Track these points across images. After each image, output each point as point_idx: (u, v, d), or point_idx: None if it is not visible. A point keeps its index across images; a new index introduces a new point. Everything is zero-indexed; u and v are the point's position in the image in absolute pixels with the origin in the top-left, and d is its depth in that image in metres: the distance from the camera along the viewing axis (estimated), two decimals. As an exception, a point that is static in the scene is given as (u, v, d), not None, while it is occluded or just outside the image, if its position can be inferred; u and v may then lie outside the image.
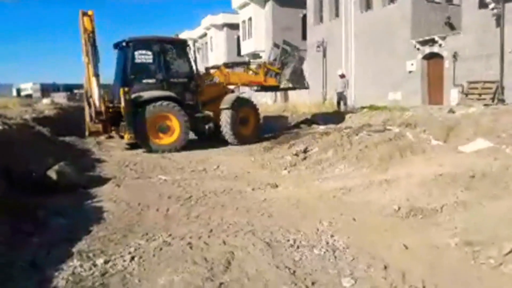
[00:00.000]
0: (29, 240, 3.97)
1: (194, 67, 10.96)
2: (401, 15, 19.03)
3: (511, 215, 4.05)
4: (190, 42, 11.54)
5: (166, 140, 10.07)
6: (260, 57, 30.60)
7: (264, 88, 13.13)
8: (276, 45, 13.01)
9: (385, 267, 3.26)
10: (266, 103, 24.06)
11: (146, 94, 9.97)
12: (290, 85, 12.54)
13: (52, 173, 5.90)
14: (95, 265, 3.39)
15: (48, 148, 8.66)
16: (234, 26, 36.57)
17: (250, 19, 32.23)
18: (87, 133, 10.56)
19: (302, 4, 27.44)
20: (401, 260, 3.41)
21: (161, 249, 3.72)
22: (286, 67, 12.18)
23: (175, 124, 10.05)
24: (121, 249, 3.72)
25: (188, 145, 10.38)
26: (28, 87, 61.26)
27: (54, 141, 10.09)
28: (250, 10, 31.89)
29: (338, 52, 23.15)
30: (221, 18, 38.40)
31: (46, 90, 49.04)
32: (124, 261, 3.47)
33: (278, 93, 25.92)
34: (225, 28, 38.25)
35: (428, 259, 3.42)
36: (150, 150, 9.84)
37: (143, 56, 10.31)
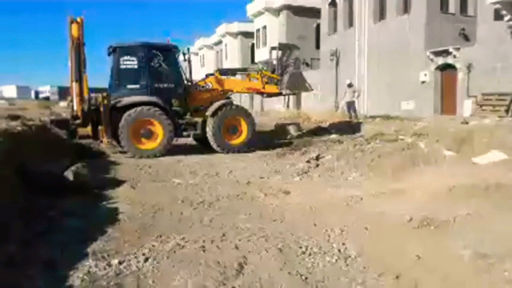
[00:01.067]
0: (43, 239, 4.06)
1: (182, 73, 10.98)
2: (414, 25, 19.01)
3: (525, 228, 4.03)
4: (182, 49, 11.36)
5: (149, 145, 10.12)
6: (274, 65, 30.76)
7: (269, 95, 12.92)
8: (273, 48, 12.71)
9: (397, 277, 3.26)
10: (279, 109, 24.15)
11: (126, 100, 10.09)
12: (289, 92, 12.43)
13: (69, 174, 6.01)
14: (109, 265, 3.46)
15: (65, 150, 8.82)
16: (248, 34, 36.90)
17: (264, 27, 32.46)
18: (77, 137, 10.30)
19: (317, 14, 27.59)
20: (413, 270, 3.41)
21: (174, 251, 3.77)
22: (285, 73, 11.91)
23: (158, 129, 10.08)
24: (135, 250, 3.78)
25: (199, 150, 10.50)
26: (46, 90, 62.28)
27: (71, 143, 10.26)
28: (265, 19, 32.13)
29: (351, 62, 23.17)
30: (236, 26, 38.80)
31: (64, 92, 49.79)
32: (138, 262, 3.54)
33: (291, 100, 26.02)
34: (239, 36, 38.63)
35: (440, 270, 3.41)
36: (132, 155, 9.92)
37: (128, 62, 10.38)
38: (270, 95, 12.91)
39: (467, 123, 10.96)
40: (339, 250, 3.81)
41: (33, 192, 5.43)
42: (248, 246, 3.89)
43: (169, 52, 10.83)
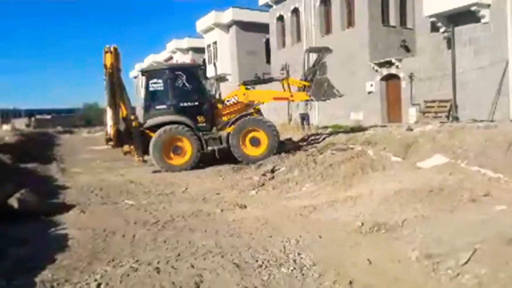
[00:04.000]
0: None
1: (205, 90, 11.46)
2: (359, 38, 19.86)
3: (466, 226, 4.29)
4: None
5: (178, 160, 10.70)
6: (226, 80, 30.96)
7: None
8: (308, 50, 12.87)
9: (351, 282, 3.36)
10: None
11: (154, 120, 10.83)
12: (313, 99, 12.47)
13: (13, 201, 5.71)
14: (59, 294, 3.31)
15: (9, 176, 8.37)
16: (199, 50, 36.93)
17: (215, 43, 32.66)
18: (123, 153, 11.25)
19: (265, 29, 28.13)
20: (365, 275, 3.53)
21: (128, 275, 3.67)
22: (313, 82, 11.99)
23: (187, 146, 10.68)
24: (87, 276, 3.65)
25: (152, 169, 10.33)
26: (-14, 114, 58.92)
27: (15, 168, 9.76)
28: (215, 34, 32.36)
29: (301, 75, 23.74)
30: (186, 42, 38.77)
31: (7, 115, 47.28)
32: (90, 288, 3.41)
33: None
34: (190, 52, 38.58)
35: (391, 273, 3.55)
36: (165, 170, 10.47)
37: (156, 85, 11.09)
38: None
39: (411, 130, 11.51)
40: (294, 261, 3.87)
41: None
42: (204, 264, 3.85)
43: (191, 72, 11.42)
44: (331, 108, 21.17)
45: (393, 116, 18.65)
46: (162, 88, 11.05)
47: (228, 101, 11.58)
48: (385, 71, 18.81)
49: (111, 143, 10.73)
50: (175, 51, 39.93)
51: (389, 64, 18.44)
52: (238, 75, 29.14)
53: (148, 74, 11.30)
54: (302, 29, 24.02)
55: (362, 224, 4.80)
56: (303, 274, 3.56)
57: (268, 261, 3.89)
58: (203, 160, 10.98)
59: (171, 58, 42.12)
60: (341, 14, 21.20)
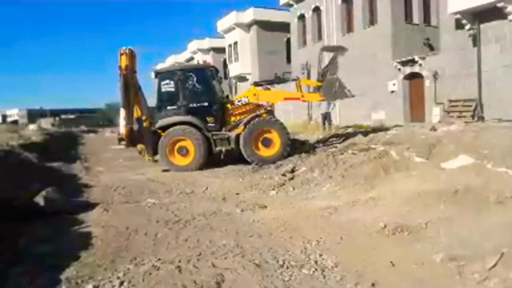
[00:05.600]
0: (13, 269, 3.92)
1: (215, 91, 11.46)
2: (381, 37, 19.59)
3: (493, 229, 4.17)
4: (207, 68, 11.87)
5: (184, 161, 10.83)
6: (247, 80, 31.01)
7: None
8: (323, 49, 12.82)
9: (373, 285, 3.31)
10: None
11: (164, 121, 11.03)
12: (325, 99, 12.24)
13: (39, 199, 5.86)
14: (83, 291, 3.38)
15: (35, 174, 8.59)
16: (220, 50, 37.14)
17: (236, 43, 32.78)
18: (138, 153, 11.71)
19: (286, 28, 28.07)
20: (388, 277, 3.47)
21: (150, 273, 3.71)
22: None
23: (190, 146, 10.78)
24: (110, 274, 3.71)
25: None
26: (14, 113, 60.65)
27: (41, 167, 10.01)
28: (236, 34, 32.49)
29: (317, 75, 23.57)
30: (207, 42, 39.03)
31: (33, 115, 48.57)
32: (113, 286, 3.47)
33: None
34: (211, 52, 38.83)
35: (414, 275, 3.49)
36: (173, 170, 10.67)
37: (167, 85, 11.28)
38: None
39: (435, 129, 11.28)
40: (316, 262, 3.84)
41: (1, 219, 5.25)
42: (225, 264, 3.86)
43: (202, 73, 11.52)
44: (353, 108, 20.97)
45: (416, 116, 18.33)
46: (173, 89, 11.25)
47: (239, 101, 11.50)
48: (408, 70, 18.50)
49: (123, 142, 11.06)
50: (196, 51, 40.27)
51: (412, 62, 18.13)
52: (258, 75, 29.18)
53: (160, 75, 11.50)
54: (323, 28, 23.89)
55: (385, 225, 4.71)
56: (324, 276, 3.53)
57: (289, 261, 3.87)
58: (221, 160, 11.00)
59: (192, 58, 42.48)
60: (362, 12, 20.96)
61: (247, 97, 11.52)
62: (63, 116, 40.62)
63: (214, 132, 11.06)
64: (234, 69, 33.07)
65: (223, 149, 11.07)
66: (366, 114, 20.07)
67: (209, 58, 38.92)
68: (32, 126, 26.64)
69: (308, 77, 25.04)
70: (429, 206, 5.19)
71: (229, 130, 11.21)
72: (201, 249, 4.33)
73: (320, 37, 24.47)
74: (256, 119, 11.05)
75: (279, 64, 28.58)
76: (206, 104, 11.27)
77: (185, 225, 5.34)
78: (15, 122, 48.54)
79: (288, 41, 28.59)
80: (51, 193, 6.22)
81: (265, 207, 6.20)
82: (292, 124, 19.30)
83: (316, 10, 24.69)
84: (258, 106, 11.50)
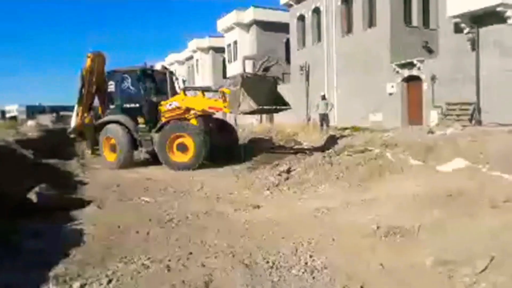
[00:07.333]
0: (3, 264, 3.89)
1: (147, 93, 11.80)
2: (380, 39, 19.59)
3: (486, 233, 4.16)
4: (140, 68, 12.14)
5: (111, 157, 11.75)
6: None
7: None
8: (244, 58, 12.46)
9: (361, 287, 3.30)
10: (252, 124, 24.26)
11: (102, 119, 12.26)
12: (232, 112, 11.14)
13: (32, 196, 5.83)
14: (71, 289, 3.36)
15: (30, 170, 8.55)
16: (219, 49, 37.12)
17: (235, 42, 32.77)
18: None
19: (286, 29, 28.06)
20: (377, 280, 3.46)
21: (139, 272, 3.69)
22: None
23: (116, 144, 11.60)
24: (99, 272, 3.69)
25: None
26: (13, 109, 60.43)
27: (37, 163, 9.97)
28: (235, 33, 32.48)
29: (321, 75, 23.62)
30: (207, 41, 39.02)
31: (32, 112, 48.43)
32: (101, 284, 3.45)
33: (264, 115, 26.13)
34: (211, 51, 38.82)
35: (404, 278, 3.47)
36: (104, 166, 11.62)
37: (111, 86, 12.29)
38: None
39: (432, 132, 11.28)
40: (306, 263, 3.83)
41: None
42: (214, 264, 3.85)
43: (135, 75, 11.94)
44: (350, 110, 20.99)
45: (413, 119, 18.34)
46: (113, 89, 12.16)
47: (170, 105, 11.41)
48: (406, 73, 18.51)
49: (72, 135, 13.10)
50: (195, 50, 40.23)
51: (411, 65, 18.13)
52: (257, 75, 29.15)
53: (107, 76, 12.45)
54: (323, 28, 23.88)
55: (377, 227, 4.70)
56: (313, 277, 3.52)
57: (279, 262, 3.85)
58: (218, 159, 10.97)
59: (191, 57, 42.47)
60: (362, 14, 20.97)
61: (176, 101, 11.39)
62: (61, 113, 40.46)
63: (141, 133, 11.63)
64: (233, 69, 33.06)
65: (144, 150, 11.81)
66: (364, 116, 20.07)
67: (208, 57, 38.99)
68: (30, 122, 26.51)
69: (307, 78, 25.09)
70: (422, 209, 5.18)
71: (156, 132, 11.34)
72: (191, 248, 4.31)
73: (319, 38, 24.46)
74: (170, 123, 11.08)
75: (278, 65, 28.57)
76: (137, 105, 11.88)
77: (177, 224, 5.33)
78: (14, 118, 48.35)
79: (288, 42, 28.58)
80: (45, 189, 6.19)
81: (259, 207, 6.18)
82: (291, 125, 19.30)
83: (316, 11, 24.69)
84: (187, 110, 11.22)
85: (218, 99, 10.91)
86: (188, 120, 11.13)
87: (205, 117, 11.51)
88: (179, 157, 10.81)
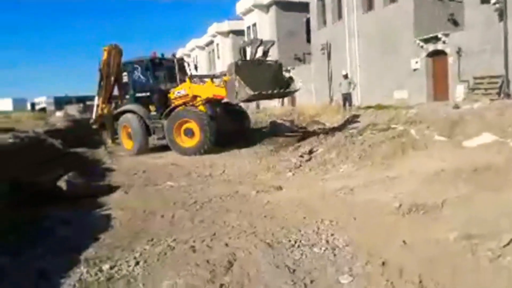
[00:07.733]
0: (36, 249, 4.09)
1: (156, 82, 12.15)
2: (403, 14, 18.99)
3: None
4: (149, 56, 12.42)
5: (129, 145, 12.22)
6: (266, 62, 30.73)
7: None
8: (242, 44, 11.89)
9: (383, 263, 3.31)
10: (275, 106, 24.20)
11: (119, 109, 12.88)
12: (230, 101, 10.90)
13: (61, 183, 6.05)
14: (101, 270, 3.51)
15: (59, 159, 8.86)
16: (239, 33, 36.81)
17: (254, 24, 32.45)
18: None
19: (305, 8, 27.56)
20: (399, 256, 3.45)
21: (165, 253, 3.82)
22: None
23: (132, 132, 12.07)
24: (127, 254, 3.83)
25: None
26: (42, 101, 62.01)
27: (66, 152, 10.31)
28: (254, 16, 32.11)
29: (343, 54, 23.17)
30: (227, 25, 38.76)
31: (59, 103, 49.59)
32: (129, 266, 3.58)
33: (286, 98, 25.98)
34: (230, 35, 38.57)
35: (426, 254, 3.46)
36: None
37: (125, 77, 12.84)
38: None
39: (458, 107, 10.98)
40: (327, 241, 3.86)
41: (26, 203, 5.46)
42: (237, 244, 3.93)
43: (144, 64, 12.21)
44: (374, 88, 20.59)
45: (439, 94, 17.83)
46: (127, 80, 12.69)
47: (178, 92, 11.54)
48: (431, 47, 17.92)
49: (95, 126, 13.65)
50: (215, 34, 40.07)
51: (436, 39, 17.53)
52: (277, 56, 28.90)
53: (122, 67, 12.84)
54: (343, 6, 23.29)
55: (400, 205, 4.67)
56: (335, 255, 3.55)
57: (301, 241, 3.90)
58: (227, 144, 10.93)
59: (211, 42, 42.35)
60: (384, -12, 20.32)
61: (184, 89, 11.47)
62: (88, 103, 41.33)
63: (153, 121, 11.89)
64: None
65: (155, 137, 11.91)
66: (388, 93, 19.64)
67: (228, 41, 38.78)
68: (58, 113, 27.22)
69: (329, 57, 24.68)
70: (447, 184, 5.11)
71: (165, 118, 11.53)
72: (215, 229, 4.42)
73: (340, 16, 23.91)
74: (175, 111, 11.25)
75: (298, 45, 28.22)
76: (148, 93, 12.18)
77: (201, 207, 5.44)
78: (43, 109, 49.70)
79: (308, 22, 28.07)
80: (73, 177, 6.42)
81: (281, 188, 6.23)
82: (313, 106, 19.16)
83: (336, -12, 24.09)
84: (194, 97, 11.27)
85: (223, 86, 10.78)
86: (196, 106, 11.23)
87: (214, 103, 11.51)
88: (186, 142, 11.01)
